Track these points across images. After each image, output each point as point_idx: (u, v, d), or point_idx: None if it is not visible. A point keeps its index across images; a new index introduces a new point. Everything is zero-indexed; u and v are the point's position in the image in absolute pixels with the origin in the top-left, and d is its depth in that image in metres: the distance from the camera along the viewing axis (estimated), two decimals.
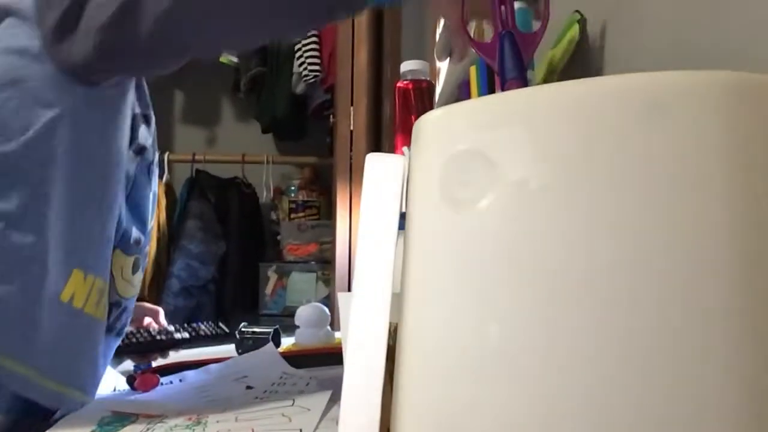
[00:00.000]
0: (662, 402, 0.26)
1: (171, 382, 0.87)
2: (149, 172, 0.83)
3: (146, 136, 0.81)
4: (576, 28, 0.68)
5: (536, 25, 0.67)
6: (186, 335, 0.92)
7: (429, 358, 0.32)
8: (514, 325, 0.29)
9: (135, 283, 0.83)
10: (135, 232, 0.79)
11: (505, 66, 0.62)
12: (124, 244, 0.78)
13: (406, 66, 0.88)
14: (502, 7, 0.63)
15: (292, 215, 2.71)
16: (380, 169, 0.34)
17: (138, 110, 0.80)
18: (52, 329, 0.68)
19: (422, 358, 0.32)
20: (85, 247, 0.71)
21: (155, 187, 0.86)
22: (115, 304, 0.79)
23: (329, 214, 2.49)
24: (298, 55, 2.51)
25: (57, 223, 0.68)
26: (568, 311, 0.28)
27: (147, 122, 0.83)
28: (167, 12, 0.59)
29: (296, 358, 0.89)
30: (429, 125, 0.34)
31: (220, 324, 0.98)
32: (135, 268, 0.82)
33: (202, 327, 0.95)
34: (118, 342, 0.83)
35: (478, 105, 0.35)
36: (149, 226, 0.83)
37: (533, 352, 0.28)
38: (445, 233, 0.31)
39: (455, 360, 0.30)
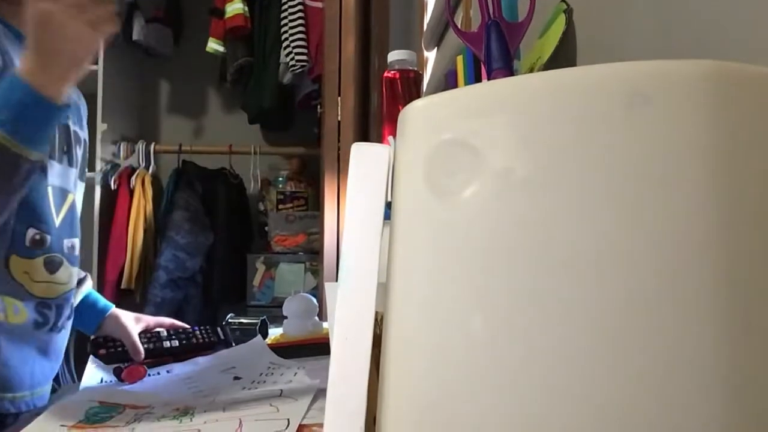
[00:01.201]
0: (639, 387, 0.26)
1: (158, 374, 0.87)
2: (42, 168, 0.78)
3: None
4: (562, 18, 0.68)
5: (522, 15, 0.67)
6: (176, 343, 0.91)
7: (413, 347, 0.32)
8: (498, 314, 0.29)
9: (60, 280, 0.81)
10: (32, 233, 0.78)
11: (492, 56, 0.62)
12: (17, 248, 0.77)
13: (393, 56, 0.88)
14: None
15: (280, 206, 2.70)
16: (366, 159, 0.34)
17: None
18: None
19: (406, 346, 0.33)
20: None
21: (55, 180, 0.81)
22: (42, 305, 0.79)
23: (317, 204, 2.48)
24: (285, 44, 2.49)
25: None
26: (551, 300, 0.28)
27: None
28: None
29: (284, 349, 0.90)
30: (414, 114, 0.34)
31: (217, 329, 0.97)
32: (51, 267, 0.80)
33: (197, 333, 0.95)
34: (66, 336, 0.84)
35: (462, 94, 0.35)
36: (55, 222, 0.81)
37: (516, 341, 0.29)
38: (429, 222, 0.32)
39: (439, 348, 0.31)
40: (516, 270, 0.29)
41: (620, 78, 0.30)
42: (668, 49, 0.50)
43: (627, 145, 0.29)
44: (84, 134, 0.91)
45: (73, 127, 0.86)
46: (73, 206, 0.86)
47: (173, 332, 0.92)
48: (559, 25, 0.69)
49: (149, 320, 0.95)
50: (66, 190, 0.84)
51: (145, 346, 0.89)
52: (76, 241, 0.86)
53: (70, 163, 0.85)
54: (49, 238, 0.80)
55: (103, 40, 0.69)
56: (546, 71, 0.33)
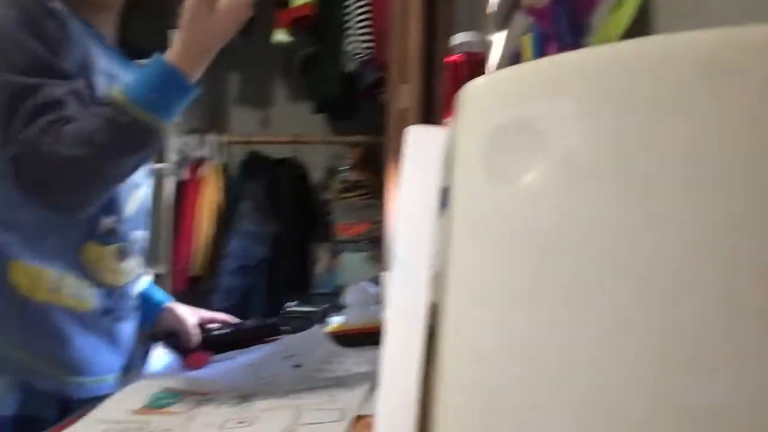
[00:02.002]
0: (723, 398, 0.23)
1: (222, 361, 0.88)
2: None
3: None
4: None
5: None
6: (227, 331, 0.93)
7: (469, 340, 0.30)
8: (559, 306, 0.27)
9: (125, 270, 0.84)
10: (106, 222, 0.80)
11: (561, 31, 0.59)
12: (92, 233, 0.79)
13: (458, 38, 0.85)
14: None
15: (344, 195, 2.71)
16: (421, 142, 0.32)
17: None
18: (6, 312, 0.75)
19: (462, 339, 0.31)
20: (22, 241, 0.75)
21: (140, 172, 0.85)
22: (109, 294, 0.81)
23: (381, 193, 2.48)
24: (350, 33, 2.49)
25: None
26: (618, 296, 0.25)
27: None
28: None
29: (344, 338, 0.89)
30: (471, 94, 0.31)
31: (270, 323, 0.98)
32: (121, 256, 0.83)
33: (247, 323, 0.96)
34: (133, 326, 0.86)
35: (524, 71, 0.32)
36: (127, 213, 0.84)
37: (579, 335, 0.26)
38: (487, 209, 0.29)
39: (497, 339, 0.29)
40: (581, 261, 0.27)
41: (699, 47, 0.27)
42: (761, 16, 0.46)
43: (710, 123, 0.26)
44: None
45: None
46: (142, 199, 0.88)
47: (225, 326, 0.94)
48: None
49: (205, 314, 0.96)
50: (137, 182, 0.85)
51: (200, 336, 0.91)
52: (144, 234, 0.88)
53: None
54: (121, 227, 0.82)
55: (245, 14, 0.76)
56: (614, 44, 0.30)
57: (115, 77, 0.81)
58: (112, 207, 0.81)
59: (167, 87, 0.74)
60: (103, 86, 0.78)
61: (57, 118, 0.69)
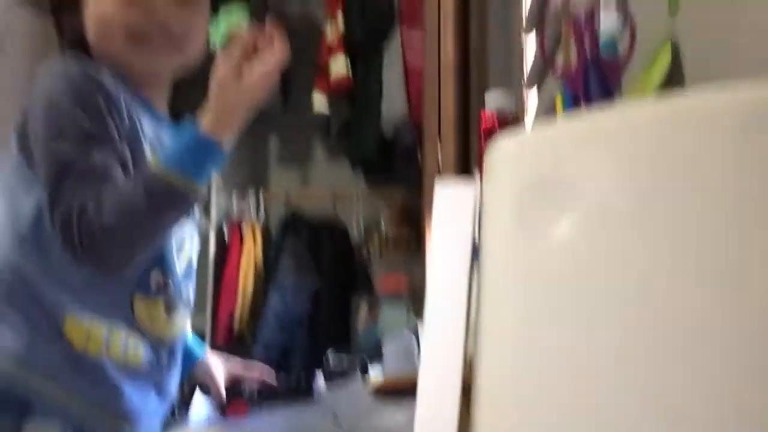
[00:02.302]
0: None
1: (260, 412, 0.89)
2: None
3: None
4: (668, 50, 0.66)
5: (622, 51, 0.65)
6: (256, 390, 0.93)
7: (506, 393, 0.31)
8: (594, 355, 0.28)
9: (174, 323, 0.87)
10: (156, 276, 0.83)
11: (591, 93, 0.60)
12: (143, 288, 0.82)
13: (491, 98, 0.88)
14: (585, 35, 0.61)
15: (383, 250, 2.73)
16: (450, 197, 0.34)
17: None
18: (61, 363, 0.78)
19: (499, 392, 0.31)
20: (74, 298, 0.79)
21: (187, 229, 0.88)
22: (158, 344, 0.84)
23: (419, 248, 2.48)
24: (386, 95, 2.56)
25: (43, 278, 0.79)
26: (649, 340, 0.26)
27: None
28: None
29: (384, 392, 0.89)
30: (501, 149, 0.33)
31: (300, 377, 0.98)
32: (169, 310, 0.85)
33: (281, 381, 0.96)
34: (177, 376, 0.88)
35: (553, 127, 0.34)
36: (177, 268, 0.86)
37: (614, 388, 0.27)
38: (519, 262, 0.31)
39: (533, 389, 0.29)
40: (613, 313, 0.28)
41: (733, 101, 0.28)
42: None
43: (745, 174, 0.26)
44: None
45: None
46: (189, 253, 0.91)
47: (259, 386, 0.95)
48: (665, 58, 0.66)
49: (238, 370, 0.98)
50: (184, 238, 0.89)
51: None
52: (192, 288, 0.92)
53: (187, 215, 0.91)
54: (171, 282, 0.85)
55: (272, 82, 0.81)
56: (643, 100, 0.31)
57: (163, 144, 0.86)
58: (161, 262, 0.84)
59: (200, 154, 0.78)
60: (150, 153, 0.82)
61: (100, 186, 0.74)
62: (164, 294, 0.84)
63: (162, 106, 0.92)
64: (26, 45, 2.23)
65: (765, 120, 0.26)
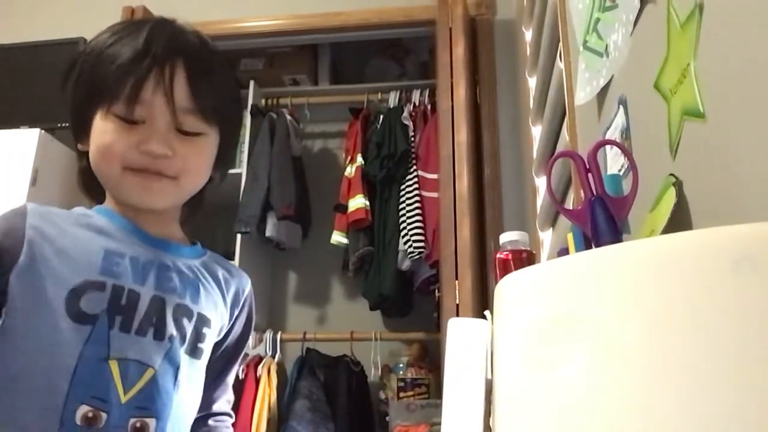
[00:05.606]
0: None
1: None
2: (108, 338, 0.77)
3: (94, 305, 0.78)
4: (672, 190, 0.68)
5: (627, 189, 0.67)
6: None
7: None
8: None
9: None
10: (84, 410, 0.74)
11: (598, 230, 0.62)
12: (66, 427, 0.72)
13: (505, 237, 0.90)
14: (589, 174, 0.64)
15: (401, 394, 2.63)
16: (463, 335, 0.34)
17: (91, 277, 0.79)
18: None
19: None
20: None
21: (125, 352, 0.77)
22: None
23: (439, 392, 2.40)
24: (403, 233, 2.61)
25: None
26: None
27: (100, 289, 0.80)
28: None
29: None
30: (508, 288, 0.34)
31: None
32: None
33: None
34: None
35: (558, 264, 0.35)
36: (120, 398, 0.75)
37: None
38: (530, 397, 0.30)
39: None
40: None
41: (726, 241, 0.29)
42: None
43: (738, 311, 0.27)
44: (197, 308, 0.88)
45: (177, 300, 0.85)
46: (153, 381, 0.78)
47: None
48: (670, 198, 0.68)
49: None
50: (144, 363, 0.78)
51: None
52: (151, 421, 0.77)
53: (158, 336, 0.81)
54: (104, 415, 0.74)
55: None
56: (642, 239, 0.32)
57: (158, 267, 0.84)
58: (93, 393, 0.76)
59: None
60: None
61: None
62: (95, 430, 0.73)
63: (163, 231, 0.89)
64: (59, 179, 2.35)
65: (752, 260, 0.27)
